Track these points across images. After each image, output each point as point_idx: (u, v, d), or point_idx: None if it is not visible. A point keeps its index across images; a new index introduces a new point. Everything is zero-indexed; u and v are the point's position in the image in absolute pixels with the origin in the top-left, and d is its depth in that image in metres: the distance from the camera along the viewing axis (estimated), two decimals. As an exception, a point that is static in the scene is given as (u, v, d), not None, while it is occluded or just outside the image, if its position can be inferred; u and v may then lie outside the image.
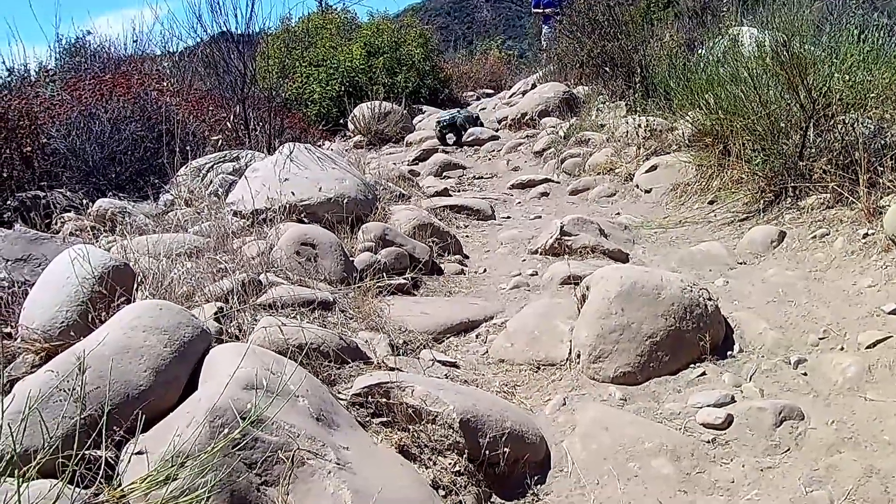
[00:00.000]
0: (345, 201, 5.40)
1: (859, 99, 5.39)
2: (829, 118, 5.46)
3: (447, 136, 10.80)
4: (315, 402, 2.56)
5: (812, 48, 5.60)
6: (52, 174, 7.47)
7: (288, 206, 5.18)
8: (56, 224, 6.01)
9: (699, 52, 8.33)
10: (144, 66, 10.11)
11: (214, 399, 2.26)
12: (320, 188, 5.46)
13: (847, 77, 5.39)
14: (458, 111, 11.53)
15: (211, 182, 6.26)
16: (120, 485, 1.58)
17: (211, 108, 8.27)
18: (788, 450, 2.97)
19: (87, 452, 2.17)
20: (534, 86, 12.74)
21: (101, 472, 2.05)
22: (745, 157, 5.98)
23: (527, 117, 10.89)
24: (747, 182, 5.96)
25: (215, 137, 6.69)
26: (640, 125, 7.92)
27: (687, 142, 7.13)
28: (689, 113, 7.01)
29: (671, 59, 8.34)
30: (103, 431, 2.15)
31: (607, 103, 9.96)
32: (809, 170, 5.35)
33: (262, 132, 7.63)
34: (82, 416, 2.35)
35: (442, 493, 2.65)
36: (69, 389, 2.48)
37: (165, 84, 8.67)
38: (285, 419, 2.33)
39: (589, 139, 8.71)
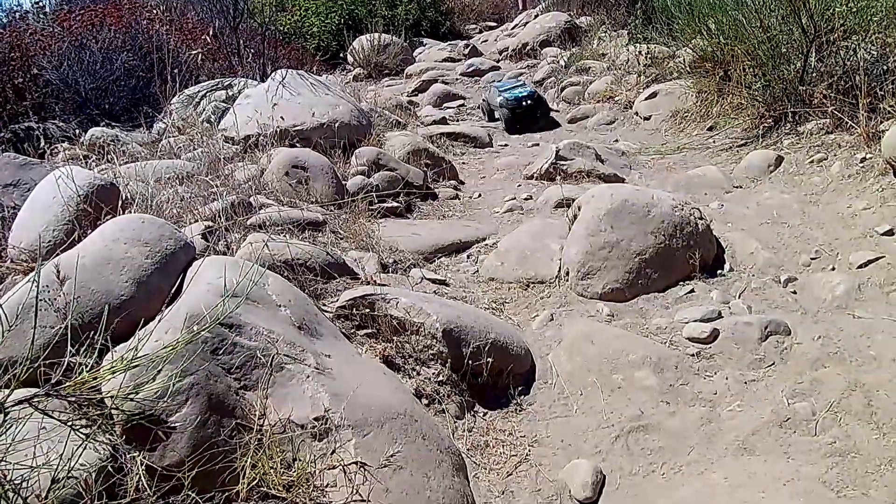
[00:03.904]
0: (337, 126, 5.34)
1: (862, 24, 5.26)
2: (831, 43, 5.34)
3: (511, 116, 7.31)
4: (298, 312, 2.56)
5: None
6: (46, 106, 7.41)
7: (280, 131, 5.14)
8: (49, 154, 5.98)
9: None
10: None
11: (193, 306, 2.26)
12: (313, 113, 5.40)
13: (849, 1, 5.24)
14: (525, 87, 7.60)
15: (204, 109, 6.20)
16: (84, 380, 1.58)
17: (204, 36, 8.14)
18: (773, 364, 2.97)
19: (67, 360, 2.17)
20: (536, 17, 12.49)
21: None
22: (746, 83, 5.87)
23: (528, 47, 10.71)
24: (747, 108, 5.87)
25: (195, 51, 6.58)
26: (640, 52, 7.78)
27: (688, 68, 7.01)
28: (691, 40, 6.87)
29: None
30: (81, 339, 2.15)
31: (609, 32, 9.78)
32: (810, 95, 5.26)
33: (255, 60, 7.52)
34: (63, 326, 2.37)
35: (425, 401, 2.67)
36: (50, 300, 2.49)
37: (156, 12, 8.51)
38: (265, 325, 2.33)
39: (589, 68, 8.58)
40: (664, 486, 2.48)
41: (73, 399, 1.52)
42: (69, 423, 1.57)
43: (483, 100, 8.24)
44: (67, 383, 1.48)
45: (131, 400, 1.88)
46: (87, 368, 1.84)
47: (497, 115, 7.60)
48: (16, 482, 1.71)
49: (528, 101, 7.23)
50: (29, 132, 6.70)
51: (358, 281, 3.28)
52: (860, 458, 2.42)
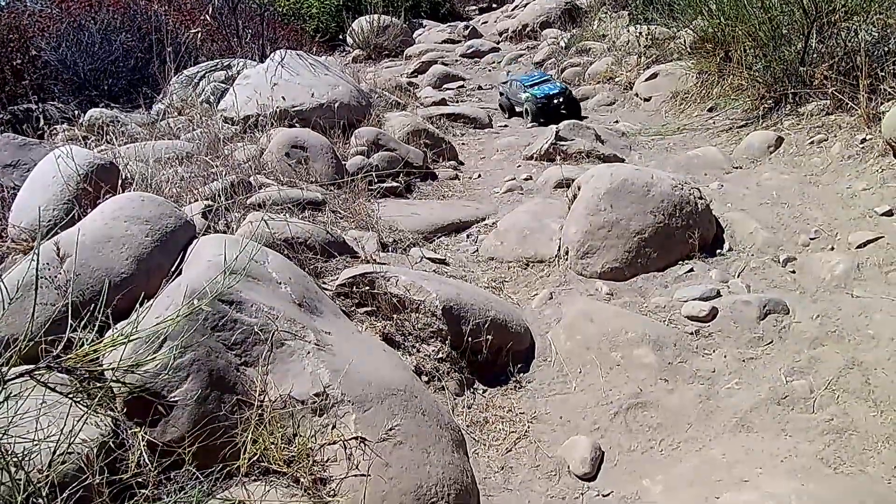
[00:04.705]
0: (336, 106, 5.33)
1: (863, 5, 5.23)
2: (832, 24, 5.32)
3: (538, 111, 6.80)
4: (298, 290, 2.57)
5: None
6: (44, 87, 7.40)
7: (279, 111, 5.13)
8: (48, 135, 5.97)
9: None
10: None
11: (193, 282, 2.26)
12: (313, 94, 5.38)
13: (851, -18, 5.23)
14: (555, 83, 7.01)
15: (203, 90, 6.18)
16: (85, 353, 1.58)
17: (203, 17, 8.11)
18: (771, 342, 2.98)
19: (67, 336, 2.17)
20: (536, -2, 12.44)
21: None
22: (747, 64, 5.86)
23: (528, 29, 10.69)
24: (747, 89, 5.86)
25: (194, 30, 6.56)
26: (641, 34, 7.74)
27: (688, 49, 6.99)
28: (692, 20, 6.85)
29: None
30: (81, 316, 2.15)
31: (609, 13, 9.75)
32: (810, 76, 5.25)
33: (254, 41, 7.49)
34: (63, 303, 2.37)
35: (425, 378, 2.68)
36: (50, 277, 2.49)
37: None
38: (265, 302, 2.34)
39: (590, 49, 8.56)
40: (662, 462, 2.49)
41: (74, 371, 1.52)
42: (69, 395, 1.57)
43: (502, 94, 7.55)
44: (68, 356, 1.48)
45: (132, 373, 1.89)
46: (88, 342, 1.85)
47: (518, 110, 7.17)
48: (18, 456, 1.72)
49: (559, 99, 6.70)
50: (28, 113, 6.70)
51: (358, 259, 3.29)
52: (857, 435, 2.44)
